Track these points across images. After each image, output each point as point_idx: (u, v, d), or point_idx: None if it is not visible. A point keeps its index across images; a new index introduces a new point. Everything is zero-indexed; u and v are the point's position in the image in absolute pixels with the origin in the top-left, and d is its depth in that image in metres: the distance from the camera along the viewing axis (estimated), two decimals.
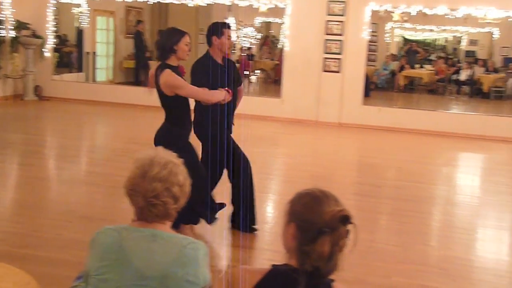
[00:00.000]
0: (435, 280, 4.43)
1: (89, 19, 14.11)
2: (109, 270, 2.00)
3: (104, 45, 15.06)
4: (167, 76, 4.36)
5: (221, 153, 4.86)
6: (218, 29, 4.95)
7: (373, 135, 11.17)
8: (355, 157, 9.86)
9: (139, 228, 2.07)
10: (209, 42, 4.98)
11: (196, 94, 4.56)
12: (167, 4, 14.03)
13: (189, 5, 13.15)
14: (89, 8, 14.02)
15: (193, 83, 4.76)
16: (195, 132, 4.96)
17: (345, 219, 1.75)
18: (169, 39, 4.50)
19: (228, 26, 5.01)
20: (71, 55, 14.92)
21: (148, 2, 13.40)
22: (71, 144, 9.21)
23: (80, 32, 14.41)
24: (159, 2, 13.30)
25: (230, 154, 5.00)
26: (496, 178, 8.54)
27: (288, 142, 10.59)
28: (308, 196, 1.84)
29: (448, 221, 6.27)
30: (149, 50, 15.18)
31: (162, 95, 4.51)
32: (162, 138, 4.51)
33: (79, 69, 14.47)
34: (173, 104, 4.52)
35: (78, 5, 14.05)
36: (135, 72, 14.94)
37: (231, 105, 4.99)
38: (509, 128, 11.30)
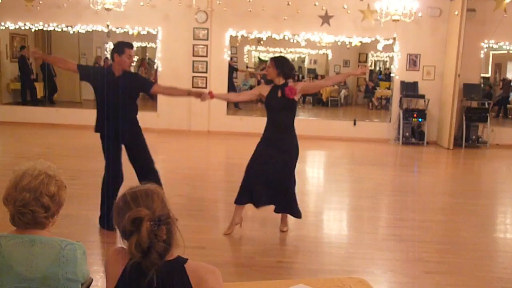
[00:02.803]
0: (288, 256, 4.58)
1: None
2: None
3: None
4: None
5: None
6: (120, 48, 4.85)
7: (236, 140, 11.31)
8: (222, 159, 9.95)
9: (17, 235, 1.92)
10: (112, 58, 4.89)
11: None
12: (50, 31, 13.21)
13: (70, 32, 12.50)
14: None
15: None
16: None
17: (138, 220, 1.67)
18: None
19: (130, 46, 4.92)
20: None
21: (31, 30, 12.53)
22: None
23: None
24: (42, 29, 12.49)
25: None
26: (335, 170, 9.04)
27: (164, 150, 10.40)
28: (115, 208, 1.78)
29: (300, 207, 6.48)
30: (33, 73, 14.24)
31: None
32: None
33: None
34: None
35: None
36: (21, 93, 13.94)
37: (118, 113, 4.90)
38: (343, 130, 12.05)
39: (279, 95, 4.78)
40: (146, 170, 5.06)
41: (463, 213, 6.32)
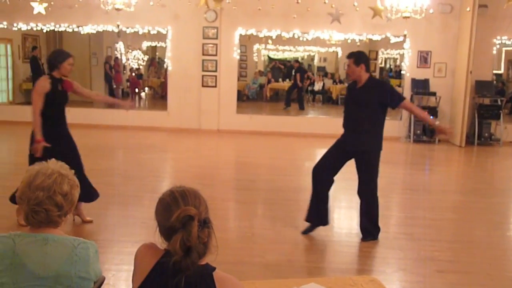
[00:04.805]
0: (300, 254, 4.57)
1: None
2: (4, 275, 1.85)
3: (3, 70, 14.04)
4: (39, 81, 4.81)
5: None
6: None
7: (246, 139, 11.33)
8: (232, 157, 9.95)
9: (31, 234, 1.94)
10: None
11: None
12: (61, 31, 13.32)
13: (81, 32, 12.58)
14: None
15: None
16: None
17: (187, 218, 1.69)
18: (56, 58, 4.81)
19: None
20: None
21: (43, 30, 12.64)
22: None
23: None
24: (53, 30, 12.59)
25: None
26: (346, 168, 8.95)
27: (175, 148, 10.45)
28: (160, 203, 1.81)
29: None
30: (45, 73, 14.34)
31: None
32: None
33: None
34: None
35: None
36: None
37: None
38: None
39: (60, 88, 4.90)
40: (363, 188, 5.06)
41: (476, 212, 6.28)
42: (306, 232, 5.07)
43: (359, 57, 4.79)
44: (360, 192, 5.05)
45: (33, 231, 1.95)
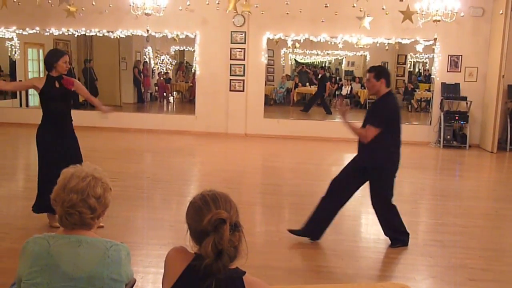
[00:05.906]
0: (327, 260, 4.54)
1: (20, 51, 13.52)
2: (39, 275, 1.89)
3: (36, 74, 14.37)
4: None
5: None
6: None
7: (273, 143, 11.33)
8: (259, 162, 9.96)
9: (65, 235, 1.98)
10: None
11: None
12: (91, 36, 13.59)
13: (111, 37, 12.82)
14: (20, 41, 13.41)
15: None
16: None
17: (219, 222, 1.71)
18: (51, 58, 4.99)
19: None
20: None
21: (74, 35, 12.93)
22: (8, 163, 8.65)
23: (13, 63, 13.74)
24: (84, 34, 12.86)
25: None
26: None
27: (202, 152, 10.52)
28: (191, 207, 1.83)
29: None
30: (75, 77, 14.66)
31: None
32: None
33: (13, 96, 13.73)
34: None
35: (11, 39, 13.44)
36: None
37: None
38: None
39: (57, 85, 4.93)
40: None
41: (508, 219, 6.13)
42: (293, 232, 4.87)
43: (381, 72, 4.71)
44: (373, 204, 4.87)
45: (67, 233, 1.99)
